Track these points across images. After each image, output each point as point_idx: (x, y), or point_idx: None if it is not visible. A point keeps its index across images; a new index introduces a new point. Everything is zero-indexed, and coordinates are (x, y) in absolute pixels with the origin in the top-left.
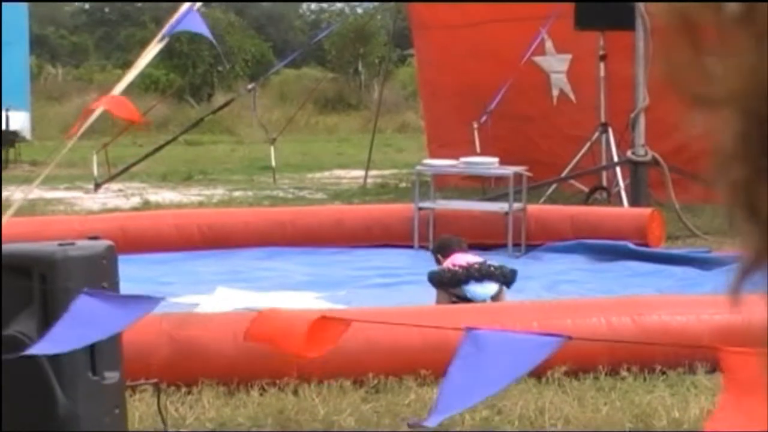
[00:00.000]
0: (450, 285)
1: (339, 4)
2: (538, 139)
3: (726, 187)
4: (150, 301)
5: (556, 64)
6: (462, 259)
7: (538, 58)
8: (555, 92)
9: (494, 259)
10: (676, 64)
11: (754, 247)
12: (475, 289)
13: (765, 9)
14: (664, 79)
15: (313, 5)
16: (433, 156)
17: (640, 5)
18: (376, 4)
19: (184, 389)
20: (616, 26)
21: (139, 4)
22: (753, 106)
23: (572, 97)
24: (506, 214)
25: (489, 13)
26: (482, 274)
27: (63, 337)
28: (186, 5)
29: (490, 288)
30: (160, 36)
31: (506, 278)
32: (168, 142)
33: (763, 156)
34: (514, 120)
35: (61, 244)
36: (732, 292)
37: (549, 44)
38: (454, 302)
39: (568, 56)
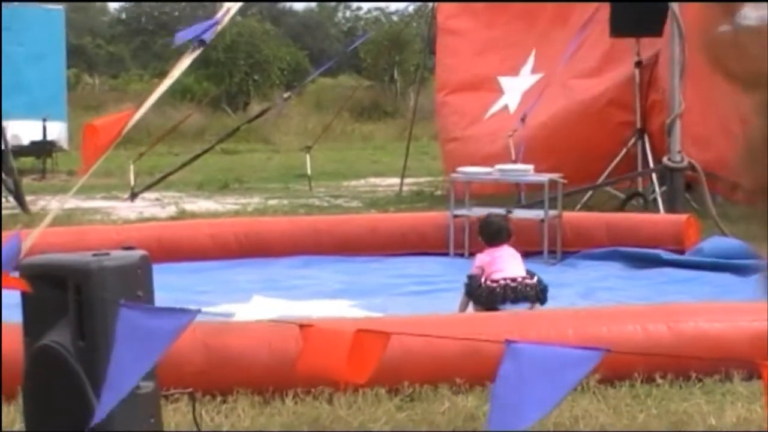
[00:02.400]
0: (485, 305)
1: (375, 12)
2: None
3: (753, 180)
4: (186, 314)
5: (519, 84)
6: (504, 264)
7: (503, 78)
8: (494, 109)
9: (530, 267)
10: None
11: None
12: (508, 308)
13: None
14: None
15: (348, 13)
16: (446, 164)
17: (676, 12)
18: (411, 11)
19: (219, 398)
20: (651, 33)
21: (176, 14)
22: None
23: (510, 111)
24: (542, 221)
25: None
26: (517, 296)
27: (120, 380)
28: (224, 6)
29: (522, 306)
30: (191, 50)
31: (539, 298)
32: (204, 151)
33: None
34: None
35: (95, 255)
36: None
37: (528, 67)
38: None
39: (539, 75)
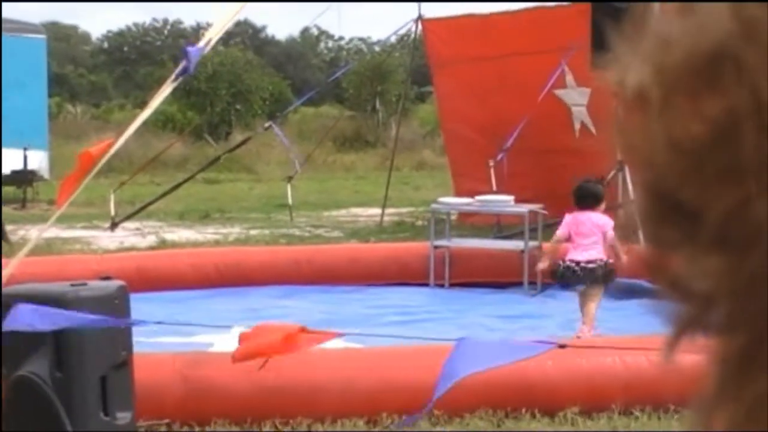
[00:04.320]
0: (561, 282)
1: (357, 42)
2: (562, 172)
3: (646, 255)
4: None
5: (577, 98)
6: (579, 241)
7: (559, 92)
8: (577, 125)
9: (510, 298)
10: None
11: (681, 316)
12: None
13: (658, 92)
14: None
15: (331, 43)
16: (458, 192)
17: None
18: (393, 41)
19: (197, 429)
20: None
21: (158, 43)
22: (657, 170)
23: (593, 129)
24: (522, 252)
25: (508, 46)
26: (579, 280)
27: None
28: (201, 43)
29: (581, 287)
30: (174, 76)
31: (604, 280)
32: (185, 180)
33: (668, 224)
34: (537, 154)
35: (73, 285)
36: (666, 354)
37: (570, 78)
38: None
39: (588, 90)
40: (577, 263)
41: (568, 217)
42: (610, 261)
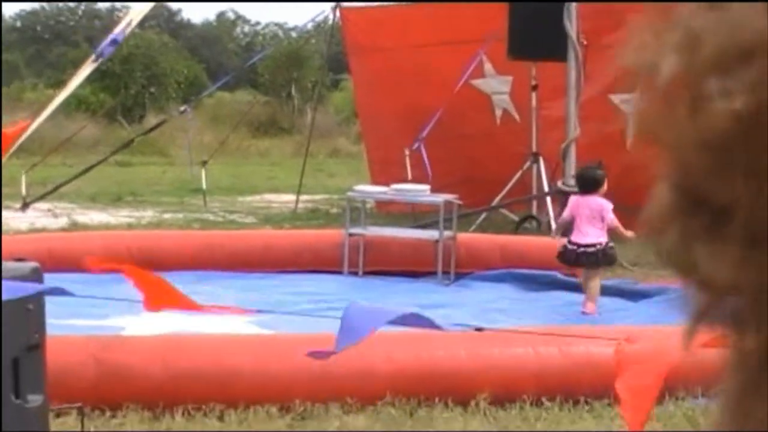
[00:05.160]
0: (565, 263)
1: (273, 28)
2: (483, 158)
3: (662, 247)
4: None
5: (497, 86)
6: (581, 223)
7: (476, 81)
8: (498, 112)
9: (424, 287)
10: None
11: (697, 307)
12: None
13: (694, 77)
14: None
15: (247, 27)
16: (375, 179)
17: (572, 35)
18: (309, 27)
19: (108, 413)
20: (548, 57)
21: (72, 23)
22: (684, 164)
23: (516, 116)
24: (436, 241)
25: (428, 36)
26: (578, 261)
27: None
28: (120, 25)
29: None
30: (93, 57)
31: (600, 263)
32: (98, 163)
33: (694, 217)
34: (458, 140)
35: None
36: (685, 344)
37: (488, 66)
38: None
39: (509, 78)
40: (578, 246)
41: (572, 201)
42: (610, 245)
